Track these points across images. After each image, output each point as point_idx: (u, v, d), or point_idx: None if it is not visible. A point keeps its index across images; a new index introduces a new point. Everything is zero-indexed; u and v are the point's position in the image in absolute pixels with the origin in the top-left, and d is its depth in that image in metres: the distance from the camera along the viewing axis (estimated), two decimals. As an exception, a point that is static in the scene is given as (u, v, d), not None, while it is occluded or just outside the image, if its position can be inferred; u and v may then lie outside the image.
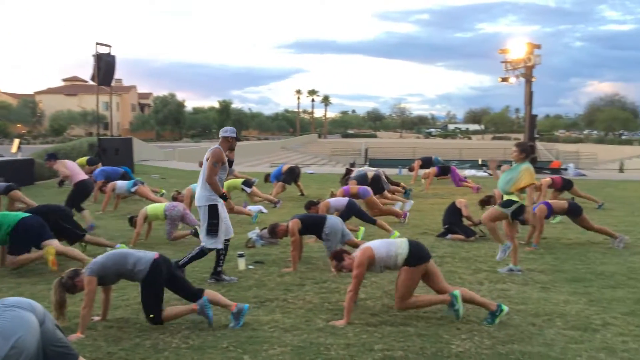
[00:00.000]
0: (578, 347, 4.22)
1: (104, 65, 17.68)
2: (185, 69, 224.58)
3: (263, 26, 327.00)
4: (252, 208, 10.51)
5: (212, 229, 5.86)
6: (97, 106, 19.93)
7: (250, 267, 6.74)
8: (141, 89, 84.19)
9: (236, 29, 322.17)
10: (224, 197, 5.88)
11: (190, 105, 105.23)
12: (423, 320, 4.84)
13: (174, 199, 9.74)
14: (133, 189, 11.00)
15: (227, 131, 6.19)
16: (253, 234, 8.10)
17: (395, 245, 4.93)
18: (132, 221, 8.24)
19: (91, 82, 18.92)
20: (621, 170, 30.01)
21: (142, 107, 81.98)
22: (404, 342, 4.30)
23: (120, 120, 72.46)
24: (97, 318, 4.85)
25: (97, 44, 17.70)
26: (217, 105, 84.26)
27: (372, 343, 4.29)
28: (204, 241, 5.93)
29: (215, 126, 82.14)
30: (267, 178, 13.91)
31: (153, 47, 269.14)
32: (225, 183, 11.76)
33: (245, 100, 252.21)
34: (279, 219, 8.52)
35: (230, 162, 6.30)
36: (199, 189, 5.96)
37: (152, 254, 4.70)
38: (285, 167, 13.66)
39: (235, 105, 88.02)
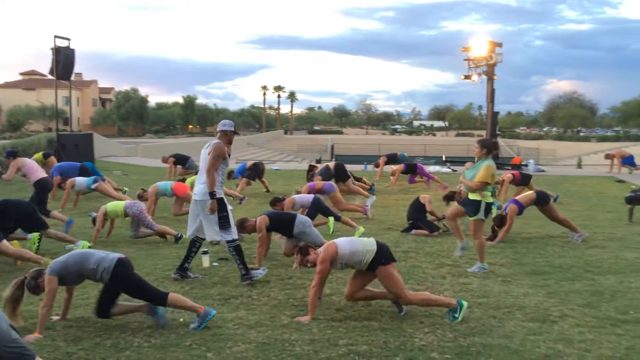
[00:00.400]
0: (537, 339, 4.33)
1: (63, 59, 17.23)
2: (148, 64, 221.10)
3: (228, 21, 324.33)
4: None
5: (224, 221, 5.75)
6: (56, 101, 19.39)
7: (215, 264, 6.69)
8: (102, 84, 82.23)
9: (201, 23, 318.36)
10: (212, 195, 5.72)
11: (153, 100, 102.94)
12: (387, 314, 4.89)
13: (140, 197, 9.54)
14: (93, 186, 10.75)
15: (226, 125, 6.03)
16: (217, 230, 8.01)
17: (361, 243, 4.88)
18: (95, 221, 8.06)
19: (50, 76, 18.40)
20: (579, 166, 30.91)
21: (103, 102, 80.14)
22: (368, 337, 4.33)
23: (80, 116, 70.72)
24: (56, 318, 4.74)
25: (56, 37, 17.23)
26: (181, 100, 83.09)
27: (336, 338, 4.31)
28: (219, 236, 5.80)
29: (180, 122, 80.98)
30: (230, 174, 13.81)
31: (115, 41, 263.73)
32: (189, 179, 11.64)
33: (210, 96, 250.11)
34: (244, 216, 8.46)
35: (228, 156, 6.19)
36: (202, 184, 5.79)
37: (116, 254, 4.65)
38: (249, 163, 13.60)
39: (200, 101, 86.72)
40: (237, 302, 5.25)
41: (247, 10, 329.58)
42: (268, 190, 13.54)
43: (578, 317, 4.87)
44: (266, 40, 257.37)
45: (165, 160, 15.82)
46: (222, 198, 5.79)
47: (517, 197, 8.66)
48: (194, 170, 14.86)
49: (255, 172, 13.35)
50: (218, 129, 6.03)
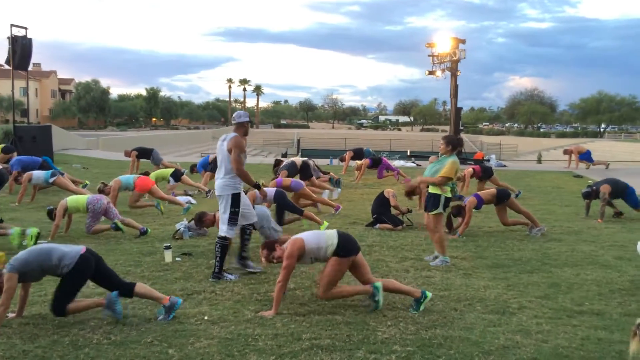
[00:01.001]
0: (496, 330, 4.43)
1: (20, 49, 16.69)
2: (110, 54, 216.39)
3: (192, 12, 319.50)
4: (181, 199, 10.28)
5: (233, 217, 5.76)
6: (13, 92, 18.78)
7: (178, 259, 6.60)
8: (62, 75, 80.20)
9: (165, 14, 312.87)
10: (258, 187, 5.82)
11: (115, 92, 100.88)
12: (350, 308, 4.91)
13: (101, 191, 9.31)
14: (51, 180, 10.47)
15: (241, 116, 5.95)
16: (181, 225, 7.92)
17: (325, 236, 4.94)
18: (51, 214, 7.83)
19: (6, 66, 17.81)
20: (539, 161, 31.55)
21: (63, 93, 78.03)
22: (332, 331, 4.35)
23: (39, 107, 68.71)
24: (12, 315, 4.60)
25: (12, 25, 16.69)
26: (144, 92, 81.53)
27: (300, 332, 4.31)
28: (224, 230, 5.76)
29: (143, 114, 79.48)
30: (193, 168, 13.67)
31: (75, 31, 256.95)
32: (153, 173, 11.46)
33: (174, 88, 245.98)
34: (208, 210, 8.37)
35: None
36: (221, 179, 5.78)
37: (78, 248, 4.54)
38: (212, 157, 13.48)
39: (164, 93, 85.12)
40: (200, 298, 5.19)
41: (211, 1, 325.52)
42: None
43: (536, 308, 4.99)
44: (231, 33, 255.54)
45: (128, 154, 15.51)
46: (238, 194, 5.77)
47: (478, 192, 8.82)
48: (161, 165, 14.65)
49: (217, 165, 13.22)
50: (234, 122, 5.92)
